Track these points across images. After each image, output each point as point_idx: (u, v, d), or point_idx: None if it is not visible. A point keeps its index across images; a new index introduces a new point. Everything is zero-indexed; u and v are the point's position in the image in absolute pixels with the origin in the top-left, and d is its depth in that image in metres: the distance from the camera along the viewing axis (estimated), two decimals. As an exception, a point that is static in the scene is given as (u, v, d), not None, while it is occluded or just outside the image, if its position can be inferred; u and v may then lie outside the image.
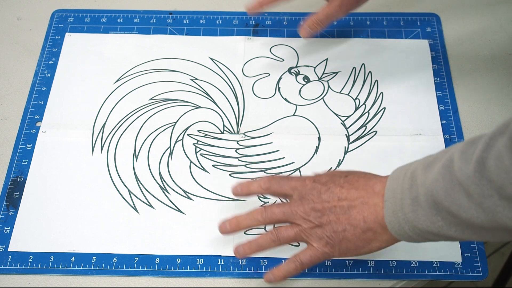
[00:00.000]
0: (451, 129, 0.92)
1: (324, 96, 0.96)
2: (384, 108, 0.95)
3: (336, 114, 0.94)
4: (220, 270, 0.81)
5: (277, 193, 0.75)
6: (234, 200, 0.86)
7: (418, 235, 0.64)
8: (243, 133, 0.92)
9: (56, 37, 1.03)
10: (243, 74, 0.98)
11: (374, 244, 0.68)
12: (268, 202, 0.86)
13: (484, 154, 0.54)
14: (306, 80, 0.97)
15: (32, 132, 0.92)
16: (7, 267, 0.81)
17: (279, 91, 0.96)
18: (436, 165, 0.60)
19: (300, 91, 0.96)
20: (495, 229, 0.56)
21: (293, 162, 0.89)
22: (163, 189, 0.87)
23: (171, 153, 0.90)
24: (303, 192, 0.71)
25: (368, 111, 0.94)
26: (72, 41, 1.02)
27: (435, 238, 0.63)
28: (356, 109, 0.95)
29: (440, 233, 0.61)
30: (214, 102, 0.96)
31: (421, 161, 0.63)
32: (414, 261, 0.81)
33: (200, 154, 0.90)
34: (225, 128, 0.93)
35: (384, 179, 0.67)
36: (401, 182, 0.63)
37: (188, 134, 0.92)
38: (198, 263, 0.81)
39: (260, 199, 0.86)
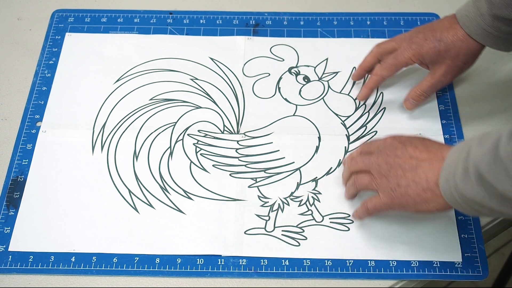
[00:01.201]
0: (451, 129, 0.92)
1: (324, 96, 0.96)
2: (384, 108, 0.95)
3: (336, 114, 0.94)
4: (220, 270, 0.81)
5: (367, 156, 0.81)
6: (234, 200, 0.86)
7: (466, 204, 0.67)
8: (243, 133, 0.92)
9: (56, 37, 1.03)
10: (243, 74, 0.98)
11: (431, 204, 0.72)
12: (268, 201, 0.86)
13: None
14: (306, 80, 0.97)
15: (32, 132, 0.92)
16: (7, 267, 0.81)
17: (279, 91, 0.96)
18: (488, 141, 0.63)
19: (300, 91, 0.96)
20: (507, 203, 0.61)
21: (293, 162, 0.89)
22: (163, 189, 0.87)
23: (171, 153, 0.90)
24: (381, 147, 0.78)
25: (368, 111, 0.94)
26: (72, 41, 1.02)
27: (480, 209, 0.66)
28: (356, 109, 0.95)
29: (483, 203, 0.64)
30: (214, 102, 0.96)
31: (479, 136, 0.67)
32: (414, 261, 0.81)
33: (200, 154, 0.90)
34: (225, 128, 0.93)
35: (451, 148, 0.72)
36: (459, 154, 0.67)
37: (188, 134, 0.92)
38: (198, 263, 0.81)
39: (260, 199, 0.86)
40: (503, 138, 0.61)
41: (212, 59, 1.00)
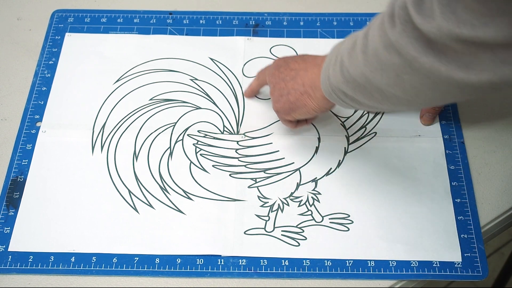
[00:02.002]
0: (451, 130, 0.92)
1: (324, 97, 0.96)
2: (384, 108, 0.95)
3: (336, 115, 0.94)
4: (220, 270, 0.81)
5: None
6: (234, 200, 0.86)
7: (334, 92, 0.72)
8: (243, 134, 0.92)
9: (56, 37, 1.03)
10: (243, 74, 0.98)
11: (310, 105, 0.80)
12: (268, 202, 0.86)
13: (375, 19, 0.64)
14: (306, 80, 0.97)
15: (32, 132, 0.92)
16: (7, 267, 0.81)
17: (279, 92, 0.96)
18: (358, 31, 0.68)
19: (300, 91, 0.96)
20: (368, 85, 0.65)
21: (293, 163, 0.89)
22: (163, 189, 0.87)
23: (171, 153, 0.90)
24: (271, 68, 0.87)
25: (368, 112, 0.94)
26: (72, 41, 1.02)
27: (344, 97, 0.71)
28: (356, 110, 0.95)
29: (343, 90, 0.70)
30: (214, 102, 0.96)
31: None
32: (414, 261, 0.81)
33: (200, 154, 0.90)
34: (225, 129, 0.93)
35: (324, 57, 0.78)
36: (336, 47, 0.73)
37: (188, 135, 0.92)
38: (198, 263, 0.81)
39: (260, 200, 0.86)
40: (364, 29, 0.65)
41: (212, 59, 1.00)
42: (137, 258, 0.81)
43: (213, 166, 0.89)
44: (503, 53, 0.52)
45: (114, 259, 0.81)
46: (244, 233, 0.83)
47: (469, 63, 0.54)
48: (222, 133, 0.92)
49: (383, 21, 0.60)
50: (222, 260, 0.81)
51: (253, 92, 0.95)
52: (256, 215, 0.85)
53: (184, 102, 0.95)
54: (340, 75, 0.69)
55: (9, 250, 0.82)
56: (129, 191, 0.87)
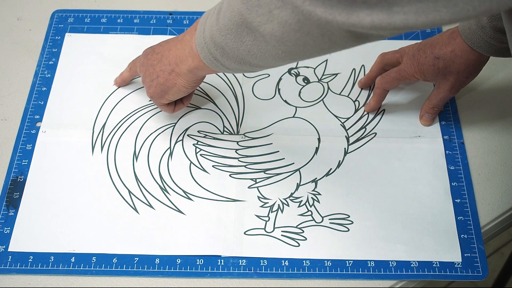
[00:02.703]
0: (451, 130, 0.92)
1: (324, 98, 0.96)
2: (384, 110, 0.95)
3: (336, 116, 0.94)
4: (220, 270, 0.81)
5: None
6: (234, 200, 0.86)
7: (207, 47, 0.72)
8: (243, 134, 0.92)
9: (56, 37, 1.03)
10: (243, 74, 0.98)
11: (179, 82, 0.82)
12: (268, 202, 0.86)
13: None
14: (306, 81, 0.97)
15: (32, 132, 0.92)
16: (7, 267, 0.81)
17: (279, 93, 0.96)
18: None
19: (300, 92, 0.96)
20: (241, 26, 0.65)
21: (293, 163, 0.89)
22: (163, 190, 0.87)
23: (171, 154, 0.90)
24: (142, 58, 0.88)
25: (368, 113, 0.94)
26: (72, 42, 1.02)
27: (215, 51, 0.72)
28: (356, 110, 0.95)
29: (215, 40, 0.70)
30: (214, 103, 0.96)
31: None
32: (414, 261, 0.81)
33: (200, 155, 0.90)
34: (225, 129, 0.93)
35: (197, 22, 0.78)
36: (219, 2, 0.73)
37: (188, 135, 0.92)
38: (198, 263, 0.81)
39: (260, 200, 0.86)
40: None
41: (212, 59, 1.00)
42: (137, 258, 0.81)
43: (213, 166, 0.89)
44: None
45: (114, 259, 0.81)
46: (244, 233, 0.83)
47: (333, 1, 0.54)
48: (222, 133, 0.92)
49: None
50: (222, 260, 0.81)
51: (124, 82, 0.96)
52: (256, 215, 0.85)
53: (184, 102, 0.95)
54: (215, 22, 0.69)
55: (9, 250, 0.82)
56: (129, 191, 0.87)
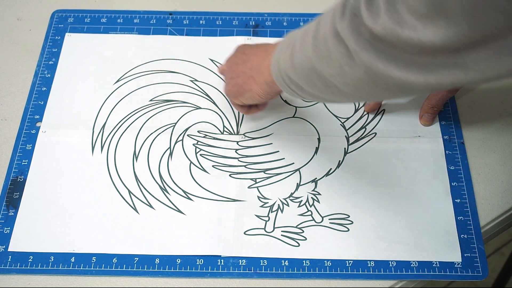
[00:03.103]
0: (451, 130, 0.92)
1: (324, 97, 0.96)
2: (384, 110, 0.95)
3: (336, 116, 0.94)
4: (220, 270, 0.81)
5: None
6: (234, 200, 0.86)
7: (281, 76, 0.72)
8: (243, 134, 0.92)
9: (56, 37, 1.03)
10: (243, 74, 0.98)
11: (255, 89, 0.81)
12: (268, 202, 0.86)
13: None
14: (306, 80, 0.97)
15: (32, 132, 0.92)
16: (7, 267, 0.81)
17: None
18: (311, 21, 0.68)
19: (300, 91, 0.96)
20: (311, 71, 0.65)
21: (293, 163, 0.89)
22: (163, 190, 0.87)
23: (171, 154, 0.91)
24: (232, 54, 0.88)
25: (368, 113, 0.94)
26: (72, 42, 1.02)
27: (290, 84, 0.71)
28: (356, 110, 0.95)
29: (289, 75, 0.70)
30: (214, 103, 0.96)
31: None
32: (414, 261, 0.81)
33: (200, 155, 0.90)
34: (225, 129, 0.93)
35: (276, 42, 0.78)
36: (293, 32, 0.72)
37: (188, 135, 0.92)
38: (198, 263, 0.81)
39: (259, 200, 0.86)
40: (317, 18, 0.65)
41: (212, 60, 1.00)
42: (137, 258, 0.81)
43: (213, 166, 0.89)
44: (441, 56, 0.51)
45: (114, 259, 0.81)
46: (244, 233, 0.83)
47: (409, 63, 0.53)
48: (222, 133, 0.93)
49: (336, 9, 0.60)
50: (222, 260, 0.81)
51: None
52: (256, 215, 0.85)
53: (184, 102, 0.95)
54: (289, 59, 0.69)
55: (9, 250, 0.82)
56: (129, 191, 0.87)
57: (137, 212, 0.85)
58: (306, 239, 0.83)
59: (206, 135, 0.92)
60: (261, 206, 0.86)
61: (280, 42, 0.75)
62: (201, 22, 1.05)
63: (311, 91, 0.68)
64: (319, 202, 0.86)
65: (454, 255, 0.81)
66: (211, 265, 0.81)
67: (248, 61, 0.82)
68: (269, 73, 0.76)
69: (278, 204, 0.86)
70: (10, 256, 0.82)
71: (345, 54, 0.58)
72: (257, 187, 0.87)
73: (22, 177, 0.88)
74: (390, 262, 0.81)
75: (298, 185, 0.87)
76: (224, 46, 1.01)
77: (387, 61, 0.55)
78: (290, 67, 0.69)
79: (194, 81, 0.98)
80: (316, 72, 0.64)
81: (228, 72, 0.86)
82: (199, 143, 0.91)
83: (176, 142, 0.92)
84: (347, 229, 0.84)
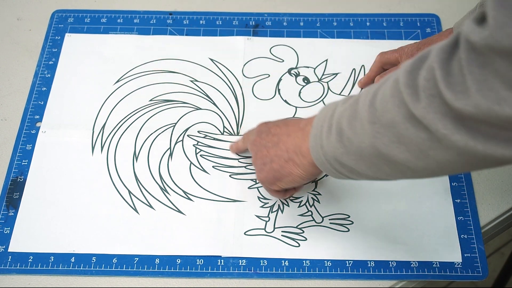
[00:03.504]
0: (451, 130, 0.92)
1: (324, 98, 0.96)
2: (384, 109, 0.95)
3: (336, 115, 0.94)
4: (220, 271, 0.81)
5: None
6: (234, 201, 0.86)
7: (328, 162, 0.68)
8: (243, 134, 0.92)
9: (56, 37, 1.03)
10: (243, 75, 0.98)
11: (296, 172, 0.74)
12: (268, 202, 0.86)
13: (379, 86, 0.60)
14: (306, 81, 0.97)
15: (32, 132, 0.92)
16: (7, 267, 0.81)
17: (279, 93, 0.96)
18: (351, 98, 0.65)
19: (300, 92, 0.96)
20: (377, 157, 0.61)
21: (293, 163, 0.89)
22: (163, 190, 0.87)
23: (171, 154, 0.90)
24: (253, 134, 0.82)
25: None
26: (72, 42, 1.02)
27: (341, 168, 0.67)
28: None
29: (342, 161, 0.65)
30: (214, 103, 0.96)
31: (346, 96, 0.68)
32: (414, 261, 0.81)
33: (200, 155, 0.90)
34: (225, 129, 0.93)
35: (314, 116, 0.73)
36: (326, 112, 0.68)
37: (188, 135, 0.92)
38: (198, 263, 0.81)
39: (260, 200, 0.86)
40: (363, 93, 0.62)
41: (211, 60, 1.00)
42: (137, 259, 0.81)
43: (213, 167, 0.89)
44: None
45: (114, 259, 0.81)
46: (244, 233, 0.83)
47: (509, 138, 0.51)
48: (222, 134, 0.92)
49: (400, 91, 0.55)
50: (222, 260, 0.81)
51: (239, 151, 0.90)
52: (256, 215, 0.85)
53: (184, 102, 0.95)
54: (339, 145, 0.64)
55: (9, 250, 0.82)
56: (129, 192, 0.87)
57: (137, 212, 0.85)
58: (306, 239, 0.83)
59: (206, 136, 0.92)
60: (261, 207, 0.86)
61: (314, 123, 0.70)
62: (201, 22, 1.05)
63: (372, 175, 0.64)
64: (319, 202, 0.86)
65: (454, 255, 0.81)
66: (211, 265, 0.81)
67: (281, 143, 0.75)
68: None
69: (278, 205, 0.86)
70: (10, 256, 0.82)
71: (428, 139, 0.54)
72: (257, 188, 0.87)
73: (22, 177, 0.88)
74: (390, 262, 0.81)
75: (298, 185, 0.87)
76: (224, 46, 1.01)
77: (484, 140, 0.51)
78: (344, 153, 0.64)
79: (194, 81, 0.98)
80: (384, 158, 0.60)
81: (258, 157, 0.78)
82: (199, 143, 0.91)
83: (176, 143, 0.92)
84: (347, 229, 0.84)
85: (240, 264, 0.81)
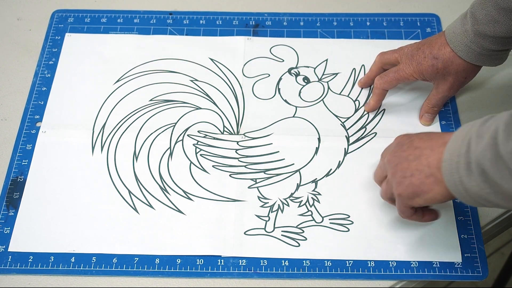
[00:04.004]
0: (451, 130, 0.92)
1: (324, 98, 0.96)
2: (384, 109, 0.95)
3: (336, 116, 0.94)
4: (220, 271, 0.81)
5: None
6: (234, 200, 0.86)
7: (470, 197, 0.66)
8: (243, 134, 0.92)
9: (56, 37, 1.03)
10: (243, 74, 0.98)
11: (436, 189, 0.70)
12: (268, 202, 0.86)
13: None
14: (306, 81, 0.97)
15: (32, 132, 0.92)
16: (7, 267, 0.81)
17: (279, 92, 0.96)
18: (486, 135, 0.63)
19: (300, 92, 0.96)
20: None
21: (293, 164, 0.89)
22: (163, 190, 0.87)
23: (171, 154, 0.90)
24: (392, 147, 0.79)
25: (368, 113, 0.94)
26: (72, 42, 1.02)
27: (486, 203, 0.66)
28: (356, 110, 0.95)
29: (488, 199, 0.64)
30: (214, 103, 0.96)
31: (477, 125, 0.66)
32: (414, 261, 0.81)
33: (200, 155, 0.90)
34: (225, 129, 0.93)
35: (453, 134, 0.71)
36: (459, 145, 0.66)
37: (188, 135, 0.92)
38: (198, 263, 0.81)
39: (260, 200, 0.86)
40: (500, 132, 0.61)
41: (212, 59, 1.00)
42: (137, 258, 0.81)
43: (213, 166, 0.89)
44: None
45: (114, 259, 0.81)
46: (244, 233, 0.83)
47: None
48: (222, 133, 0.92)
49: None
50: (222, 260, 0.81)
51: (378, 178, 0.82)
52: (256, 215, 0.85)
53: (184, 102, 0.95)
54: (484, 186, 0.63)
55: (9, 250, 0.82)
56: (129, 191, 0.87)
57: (137, 212, 0.85)
58: (306, 239, 0.83)
59: (206, 135, 0.92)
60: (261, 206, 0.86)
61: (444, 155, 0.68)
62: (201, 22, 1.05)
63: None
64: (319, 202, 0.86)
65: (454, 255, 0.81)
66: (211, 265, 0.81)
67: (423, 157, 0.72)
68: None
69: (278, 204, 0.86)
70: (10, 256, 0.82)
71: None
72: (257, 187, 0.87)
73: (22, 177, 0.88)
74: (390, 262, 0.81)
75: (298, 185, 0.87)
76: (224, 46, 1.01)
77: None
78: (491, 194, 0.63)
79: (194, 81, 0.98)
80: None
81: (397, 170, 0.74)
82: (199, 143, 0.91)
83: (176, 142, 0.92)
84: (347, 229, 0.84)
85: (240, 264, 0.81)
